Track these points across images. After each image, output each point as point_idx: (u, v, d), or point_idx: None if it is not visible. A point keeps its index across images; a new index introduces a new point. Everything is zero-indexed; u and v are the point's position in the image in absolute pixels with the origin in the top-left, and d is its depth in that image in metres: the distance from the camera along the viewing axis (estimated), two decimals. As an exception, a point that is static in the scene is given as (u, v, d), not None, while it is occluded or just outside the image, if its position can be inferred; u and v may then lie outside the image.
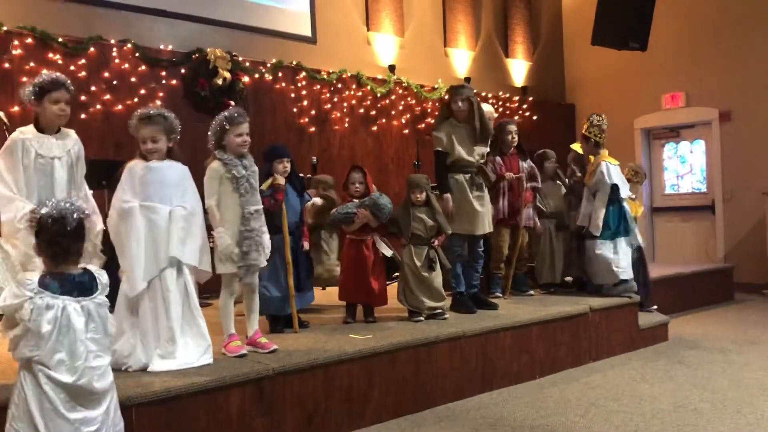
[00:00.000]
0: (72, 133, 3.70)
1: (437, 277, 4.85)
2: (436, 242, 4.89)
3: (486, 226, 5.26)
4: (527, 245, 6.02)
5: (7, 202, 3.40)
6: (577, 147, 6.40)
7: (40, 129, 3.56)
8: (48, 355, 2.56)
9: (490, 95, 9.65)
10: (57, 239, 2.65)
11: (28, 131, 3.54)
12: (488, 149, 5.39)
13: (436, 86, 9.01)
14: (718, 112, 9.46)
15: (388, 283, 5.10)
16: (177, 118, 3.69)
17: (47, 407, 2.58)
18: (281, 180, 4.26)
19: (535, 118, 10.21)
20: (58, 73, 3.62)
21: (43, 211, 2.70)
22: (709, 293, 8.06)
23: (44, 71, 3.75)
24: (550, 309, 5.23)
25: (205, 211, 3.76)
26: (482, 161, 5.27)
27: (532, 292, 5.99)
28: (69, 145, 3.64)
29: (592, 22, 8.14)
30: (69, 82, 3.60)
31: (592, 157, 6.01)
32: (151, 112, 3.60)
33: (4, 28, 5.79)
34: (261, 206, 3.88)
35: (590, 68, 10.72)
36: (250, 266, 3.79)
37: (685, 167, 10.15)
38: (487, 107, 6.13)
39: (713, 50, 9.43)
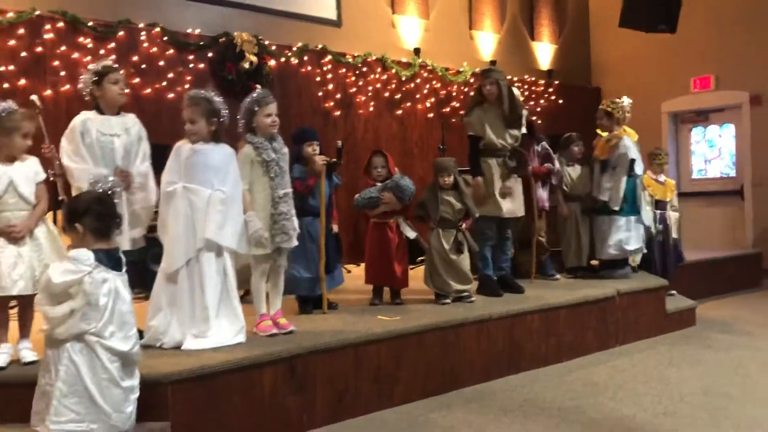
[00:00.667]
0: (131, 115, 3.83)
1: (465, 260, 4.86)
2: (464, 225, 4.89)
3: (516, 209, 5.26)
4: (547, 229, 5.99)
5: (81, 173, 3.56)
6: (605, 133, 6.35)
7: (101, 112, 3.72)
8: (104, 327, 2.69)
9: (515, 78, 9.57)
10: (103, 216, 2.78)
11: (89, 113, 3.70)
12: (522, 132, 5.34)
13: (461, 69, 8.97)
14: (749, 95, 9.29)
15: (411, 267, 5.12)
16: (224, 104, 3.72)
17: (103, 377, 2.70)
18: (321, 165, 4.28)
19: (560, 101, 10.13)
20: (110, 59, 3.81)
21: (90, 188, 2.81)
22: (737, 279, 7.99)
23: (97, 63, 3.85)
24: (577, 292, 5.22)
25: None
26: (516, 144, 5.25)
27: (557, 276, 5.97)
28: (128, 124, 3.77)
29: (620, 3, 8.02)
30: None
31: (604, 133, 6.08)
32: (193, 93, 3.69)
33: (36, 12, 5.86)
34: (290, 189, 3.92)
35: (617, 51, 10.58)
36: (281, 249, 3.84)
37: (714, 152, 10.01)
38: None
39: (744, 32, 9.25)
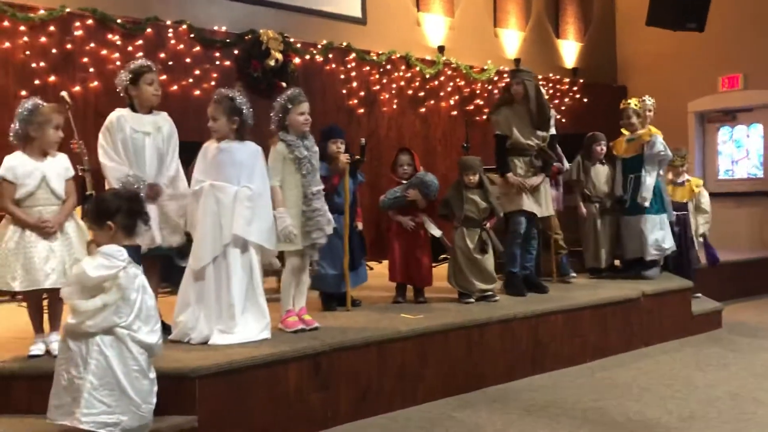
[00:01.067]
0: (163, 113, 3.88)
1: (489, 260, 4.85)
2: (488, 225, 4.88)
3: (544, 208, 5.25)
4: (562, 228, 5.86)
5: (115, 171, 3.64)
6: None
7: (134, 110, 3.78)
8: (134, 320, 2.74)
9: (540, 77, 9.49)
10: (134, 215, 2.86)
11: (122, 110, 3.77)
12: (551, 132, 5.33)
13: (485, 67, 8.93)
14: (778, 95, 9.15)
15: (434, 264, 5.12)
16: (248, 103, 3.76)
17: (134, 369, 2.75)
18: (344, 163, 4.31)
19: (585, 100, 10.05)
20: (145, 59, 3.88)
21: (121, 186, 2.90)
22: (764, 281, 7.87)
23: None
24: (602, 293, 5.19)
25: None
26: (543, 144, 5.22)
27: (574, 275, 5.83)
28: (160, 122, 3.81)
29: (647, 1, 7.93)
30: None
31: (626, 132, 6.09)
32: (218, 93, 3.75)
33: (67, 10, 5.94)
34: (322, 186, 3.96)
35: (643, 49, 10.45)
36: (314, 245, 3.87)
37: (741, 152, 9.87)
38: None
39: (774, 31, 9.10)
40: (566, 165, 5.93)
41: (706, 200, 6.34)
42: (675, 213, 6.06)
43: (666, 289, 5.61)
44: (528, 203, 5.10)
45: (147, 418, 2.83)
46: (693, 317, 5.77)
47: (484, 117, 7.91)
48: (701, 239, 6.40)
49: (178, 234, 3.76)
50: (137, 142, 3.71)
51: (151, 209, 3.60)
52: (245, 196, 3.64)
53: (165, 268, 4.12)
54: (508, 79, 5.42)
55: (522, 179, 5.09)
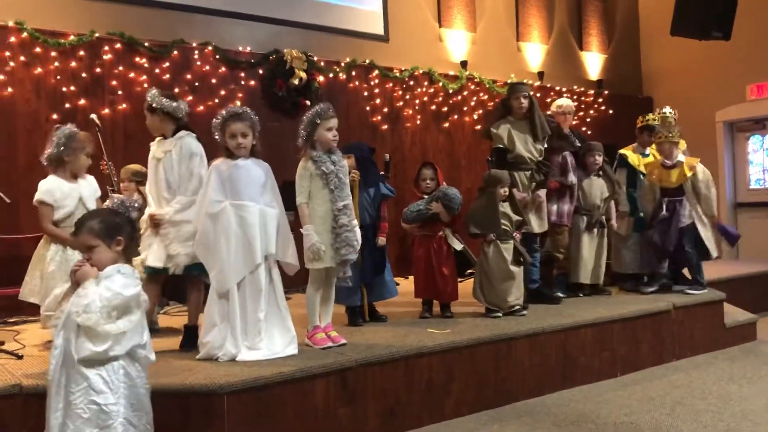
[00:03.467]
0: (177, 138, 3.95)
1: (521, 272, 4.82)
2: (517, 236, 4.86)
3: (544, 222, 5.28)
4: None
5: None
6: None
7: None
8: (146, 339, 2.72)
9: (564, 89, 9.48)
10: (134, 235, 2.87)
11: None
12: (545, 146, 5.31)
13: (508, 81, 8.92)
14: (809, 101, 8.99)
15: (460, 280, 5.10)
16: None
17: (146, 386, 2.73)
18: (352, 179, 4.33)
19: (611, 112, 9.97)
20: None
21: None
22: (799, 292, 7.68)
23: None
24: (631, 306, 5.12)
25: (296, 208, 3.89)
26: (540, 158, 5.22)
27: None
28: (169, 146, 3.90)
29: (671, 11, 7.87)
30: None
31: (653, 151, 5.94)
32: (240, 109, 3.75)
33: (96, 35, 6.08)
34: (350, 201, 3.95)
35: (668, 59, 10.37)
36: (345, 261, 3.87)
37: (772, 160, 9.70)
38: (566, 101, 6.05)
39: (803, 37, 8.97)
40: (571, 179, 5.57)
41: (704, 182, 5.73)
42: (666, 199, 5.68)
43: (697, 301, 5.51)
44: (527, 221, 5.10)
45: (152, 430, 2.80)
46: (726, 329, 5.66)
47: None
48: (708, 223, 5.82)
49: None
50: (151, 168, 3.98)
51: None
52: (274, 215, 3.68)
53: (173, 284, 4.20)
54: (507, 93, 5.35)
55: (524, 195, 5.12)
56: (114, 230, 2.76)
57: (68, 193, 3.89)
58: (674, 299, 5.37)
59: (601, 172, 5.73)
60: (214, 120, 3.77)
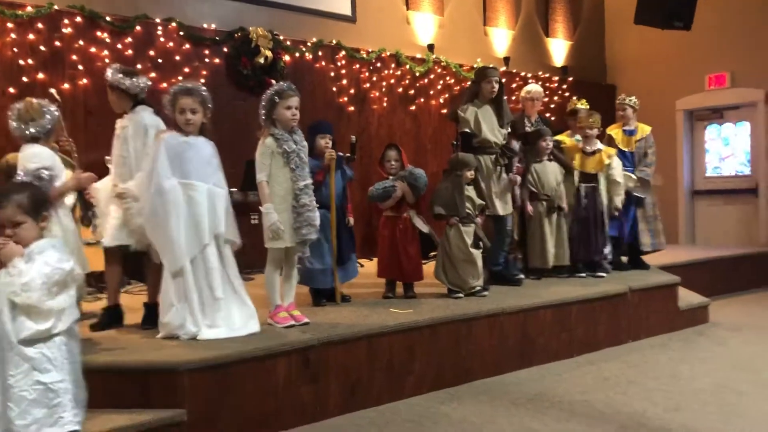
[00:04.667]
0: (133, 113, 3.89)
1: (480, 255, 4.89)
2: (480, 220, 4.92)
3: (509, 206, 5.34)
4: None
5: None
6: (614, 130, 6.35)
7: None
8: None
9: (529, 75, 9.57)
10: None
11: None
12: (508, 130, 5.40)
13: (475, 65, 8.95)
14: (765, 92, 9.23)
15: (424, 261, 5.15)
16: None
17: (80, 361, 2.71)
18: (329, 158, 4.33)
19: (574, 97, 10.07)
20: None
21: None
22: (751, 277, 7.98)
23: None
24: (590, 288, 5.23)
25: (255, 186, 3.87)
26: (504, 142, 5.30)
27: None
28: (126, 122, 3.88)
29: (635, 0, 7.99)
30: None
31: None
32: (191, 85, 3.71)
33: (55, 7, 5.93)
34: (311, 181, 3.95)
35: (632, 48, 10.53)
36: (304, 241, 3.87)
37: (728, 149, 9.95)
38: (535, 87, 6.11)
39: (761, 29, 9.18)
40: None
41: (618, 171, 5.92)
42: (583, 186, 5.85)
43: (653, 284, 5.66)
44: (492, 205, 5.17)
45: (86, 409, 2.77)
46: (680, 312, 5.83)
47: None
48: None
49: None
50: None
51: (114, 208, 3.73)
52: (222, 196, 3.67)
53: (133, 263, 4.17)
54: (475, 77, 5.38)
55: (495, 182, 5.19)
56: (41, 206, 2.67)
57: (61, 167, 3.82)
58: (631, 282, 5.51)
59: (552, 156, 5.79)
60: (164, 96, 3.72)
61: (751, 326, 5.86)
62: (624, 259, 6.34)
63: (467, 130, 5.20)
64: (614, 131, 6.31)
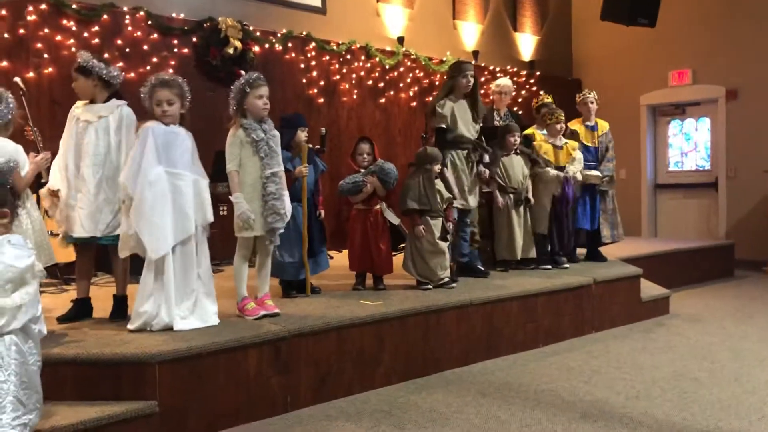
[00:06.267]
0: (114, 105, 3.88)
1: (448, 247, 4.95)
2: (448, 213, 4.99)
3: (476, 199, 5.43)
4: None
5: None
6: (576, 126, 6.47)
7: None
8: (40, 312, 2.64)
9: (498, 69, 9.68)
10: (16, 205, 2.79)
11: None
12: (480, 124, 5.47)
13: (444, 59, 9.03)
14: (725, 90, 9.49)
15: (394, 253, 5.20)
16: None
17: (38, 362, 2.63)
18: (303, 146, 4.40)
19: (542, 92, 10.21)
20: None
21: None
22: (709, 269, 8.20)
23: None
24: (555, 280, 5.35)
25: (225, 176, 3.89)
26: (476, 137, 5.37)
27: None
28: (105, 113, 3.84)
29: (602, -3, 8.14)
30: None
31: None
32: (168, 76, 3.72)
33: (19, -6, 5.82)
34: (279, 169, 3.96)
35: (598, 44, 10.72)
36: (272, 230, 3.89)
37: (690, 144, 10.21)
38: (505, 81, 6.18)
39: (722, 28, 9.43)
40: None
41: (581, 164, 6.12)
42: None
43: (616, 276, 5.80)
44: (463, 199, 5.25)
45: (42, 412, 2.71)
46: (642, 303, 5.99)
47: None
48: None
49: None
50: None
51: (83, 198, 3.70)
52: (205, 186, 3.70)
53: (100, 255, 4.14)
54: (450, 72, 5.43)
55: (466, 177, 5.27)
56: (4, 201, 2.63)
57: (24, 158, 3.73)
58: (596, 273, 5.64)
59: (518, 150, 5.87)
60: (141, 88, 3.72)
61: (708, 317, 6.05)
62: (581, 251, 6.48)
63: (443, 125, 5.24)
64: (577, 126, 6.43)
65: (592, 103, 6.42)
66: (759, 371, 4.32)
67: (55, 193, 3.77)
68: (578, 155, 6.12)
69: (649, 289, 6.22)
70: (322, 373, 3.79)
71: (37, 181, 4.33)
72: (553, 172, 5.91)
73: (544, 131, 6.24)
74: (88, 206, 3.75)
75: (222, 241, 4.93)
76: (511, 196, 5.78)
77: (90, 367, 3.18)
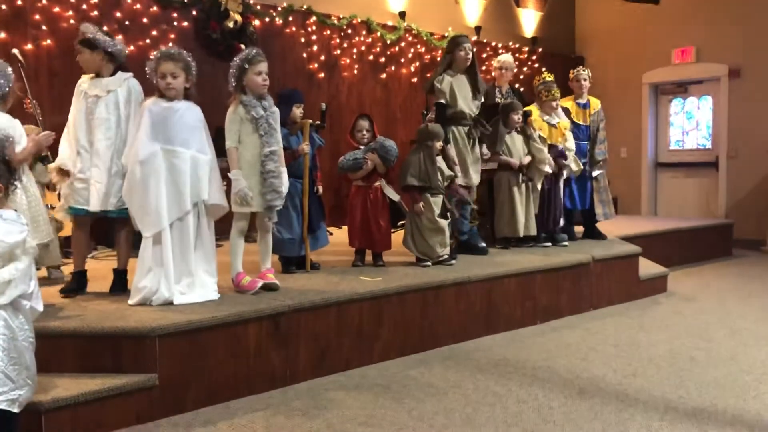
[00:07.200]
0: (121, 78, 3.85)
1: (447, 225, 4.96)
2: (455, 189, 4.99)
3: (478, 176, 5.43)
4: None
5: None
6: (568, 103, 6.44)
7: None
8: (34, 288, 2.62)
9: (500, 45, 9.60)
10: (11, 179, 2.67)
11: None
12: (482, 101, 5.44)
13: (446, 34, 8.95)
14: (728, 68, 9.42)
15: (393, 230, 5.21)
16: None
17: (30, 339, 2.62)
18: (302, 123, 4.39)
19: (544, 69, 10.13)
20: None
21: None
22: (708, 248, 8.22)
23: None
24: (554, 258, 5.36)
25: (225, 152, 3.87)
26: (477, 113, 5.34)
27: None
28: (113, 86, 3.81)
29: (606, -28, 8.06)
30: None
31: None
32: (174, 50, 3.69)
33: (17, -36, 5.75)
34: (278, 147, 3.95)
35: (601, 21, 10.62)
36: (270, 207, 3.90)
37: (692, 123, 10.16)
38: (507, 57, 6.14)
39: (727, 6, 9.34)
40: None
41: (571, 143, 6.11)
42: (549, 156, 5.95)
43: (615, 254, 5.82)
44: (466, 175, 5.25)
45: (34, 388, 2.69)
46: (640, 282, 6.01)
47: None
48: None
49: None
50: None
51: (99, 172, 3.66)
52: (205, 162, 3.67)
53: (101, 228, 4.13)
54: (448, 46, 5.39)
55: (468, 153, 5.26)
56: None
57: (21, 131, 3.70)
58: (594, 252, 5.66)
59: (518, 128, 5.86)
60: (148, 62, 3.70)
61: (705, 296, 6.07)
62: (579, 229, 6.49)
63: (443, 101, 5.21)
64: (569, 103, 6.40)
65: (585, 80, 6.39)
66: (755, 350, 4.35)
67: (65, 172, 3.74)
68: (569, 135, 6.12)
69: (648, 268, 6.24)
70: (321, 348, 3.81)
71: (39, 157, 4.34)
72: (546, 153, 5.90)
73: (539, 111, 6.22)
74: (103, 180, 3.71)
75: (221, 217, 4.92)
76: (513, 173, 5.77)
77: (91, 339, 3.20)
